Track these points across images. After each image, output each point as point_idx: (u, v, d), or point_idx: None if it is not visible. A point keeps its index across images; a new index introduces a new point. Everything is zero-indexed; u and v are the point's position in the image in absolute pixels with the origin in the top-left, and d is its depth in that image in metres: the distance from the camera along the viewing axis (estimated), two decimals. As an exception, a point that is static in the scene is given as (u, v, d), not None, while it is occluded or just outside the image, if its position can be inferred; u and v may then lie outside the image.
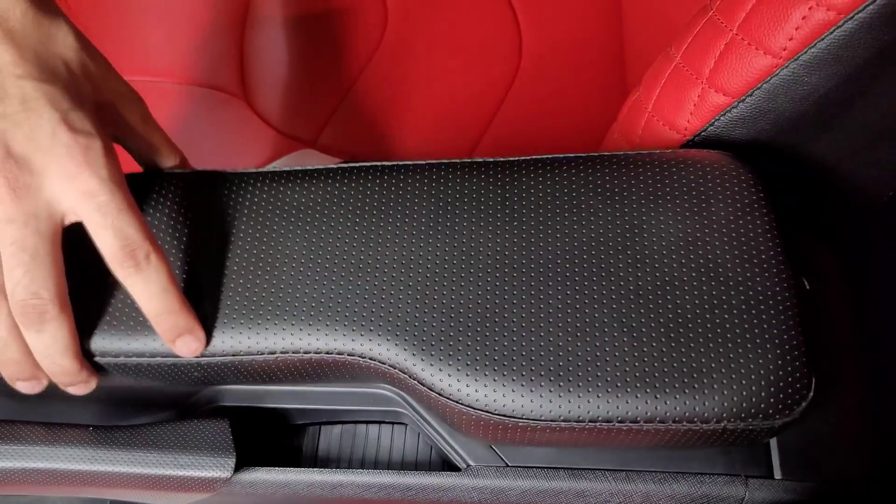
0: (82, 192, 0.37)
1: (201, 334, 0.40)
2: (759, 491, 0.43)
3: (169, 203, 0.44)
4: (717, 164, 0.43)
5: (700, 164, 0.43)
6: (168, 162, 0.47)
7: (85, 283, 0.41)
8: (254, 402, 0.47)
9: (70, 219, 0.38)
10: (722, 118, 0.44)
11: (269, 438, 0.49)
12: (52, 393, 0.46)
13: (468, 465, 0.45)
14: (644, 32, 0.70)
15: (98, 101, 0.40)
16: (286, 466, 0.45)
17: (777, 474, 0.44)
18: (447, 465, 0.47)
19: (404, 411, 0.46)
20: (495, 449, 0.45)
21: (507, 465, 0.45)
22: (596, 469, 0.44)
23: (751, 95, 0.43)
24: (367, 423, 0.50)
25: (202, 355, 0.41)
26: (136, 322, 0.41)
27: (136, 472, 0.43)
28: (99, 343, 0.41)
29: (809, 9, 0.39)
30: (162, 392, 0.47)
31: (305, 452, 0.50)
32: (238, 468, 0.44)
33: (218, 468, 0.43)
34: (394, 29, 0.75)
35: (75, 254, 0.39)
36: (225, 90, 0.69)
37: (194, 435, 0.44)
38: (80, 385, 0.41)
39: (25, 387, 0.41)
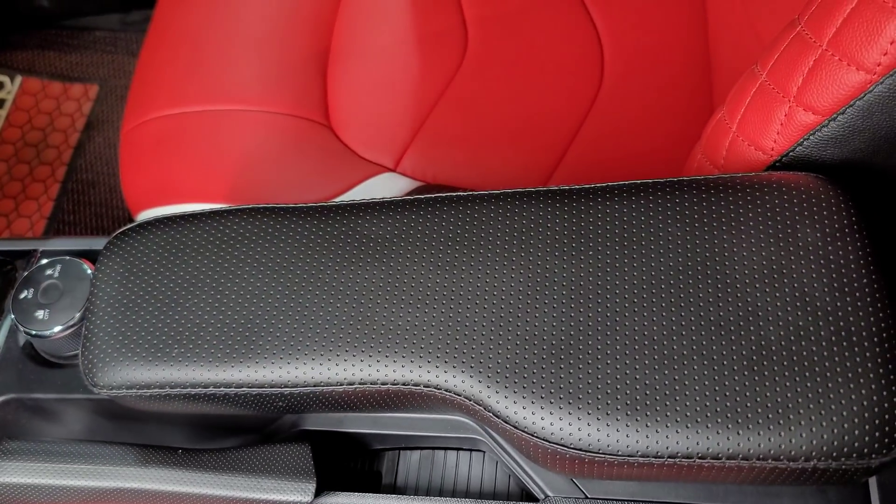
0: None
1: None
2: None
3: (250, 236, 0.45)
4: (805, 186, 0.41)
5: (787, 186, 0.41)
6: None
7: (165, 314, 0.43)
8: (334, 427, 0.48)
9: None
10: (811, 138, 0.42)
11: (350, 463, 0.50)
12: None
13: (546, 496, 0.44)
14: (731, 49, 0.68)
15: None
16: (366, 492, 0.46)
17: (877, 514, 0.42)
18: (525, 495, 0.46)
19: (482, 438, 0.46)
20: (574, 480, 0.44)
21: (587, 498, 0.44)
22: (678, 503, 0.43)
23: (842, 113, 0.41)
24: (446, 449, 0.50)
25: (285, 385, 0.42)
26: (224, 354, 0.42)
27: (220, 495, 0.44)
28: (189, 374, 0.42)
29: None
30: (248, 417, 0.48)
31: (385, 478, 0.51)
32: (318, 493, 0.44)
33: (299, 493, 0.44)
34: (474, 52, 0.75)
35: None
36: (310, 118, 0.71)
37: (277, 459, 0.45)
38: None
39: None
